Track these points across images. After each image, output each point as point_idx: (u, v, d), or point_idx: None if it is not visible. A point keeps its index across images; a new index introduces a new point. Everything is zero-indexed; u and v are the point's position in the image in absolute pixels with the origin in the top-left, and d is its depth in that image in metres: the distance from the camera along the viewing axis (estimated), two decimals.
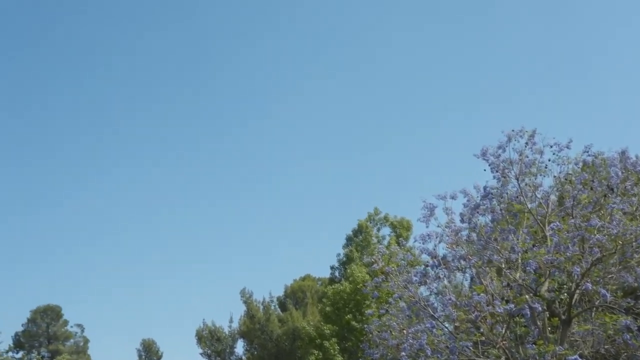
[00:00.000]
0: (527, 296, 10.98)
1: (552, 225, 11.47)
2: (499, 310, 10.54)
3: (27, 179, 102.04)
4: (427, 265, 12.14)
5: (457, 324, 11.20)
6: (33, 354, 68.00)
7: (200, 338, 50.70)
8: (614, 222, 10.95)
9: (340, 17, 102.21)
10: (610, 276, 11.29)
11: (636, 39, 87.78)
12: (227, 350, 50.81)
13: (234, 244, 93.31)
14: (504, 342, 10.83)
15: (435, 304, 12.10)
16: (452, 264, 12.01)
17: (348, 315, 36.09)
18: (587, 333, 11.45)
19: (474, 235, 12.34)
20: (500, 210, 12.33)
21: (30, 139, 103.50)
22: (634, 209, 11.38)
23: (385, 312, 13.42)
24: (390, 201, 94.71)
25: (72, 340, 70.92)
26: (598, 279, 11.06)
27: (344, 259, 42.34)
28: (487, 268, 11.87)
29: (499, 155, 12.38)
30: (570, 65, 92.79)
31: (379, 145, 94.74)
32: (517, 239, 11.66)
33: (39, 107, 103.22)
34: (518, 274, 11.24)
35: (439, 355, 11.23)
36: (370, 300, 30.53)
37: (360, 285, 31.78)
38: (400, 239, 37.18)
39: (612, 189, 11.71)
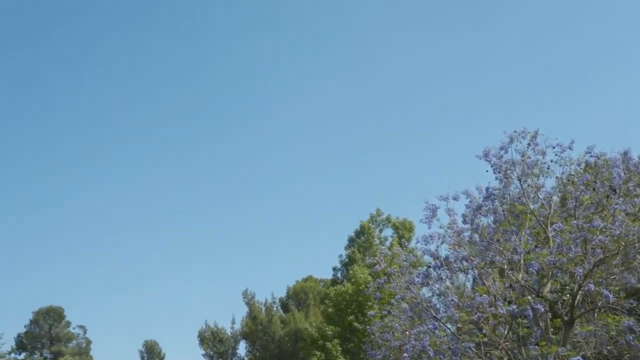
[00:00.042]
0: (529, 297, 10.98)
1: (554, 226, 11.48)
2: (502, 312, 10.54)
3: (27, 178, 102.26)
4: (429, 267, 12.15)
5: (459, 325, 11.21)
6: (35, 356, 68.08)
7: (202, 339, 50.71)
8: (617, 223, 10.93)
9: (340, 17, 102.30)
10: (612, 277, 11.27)
11: (639, 39, 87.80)
12: (230, 352, 50.81)
13: (236, 245, 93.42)
14: (506, 343, 10.83)
15: (438, 305, 12.10)
16: (455, 265, 12.02)
17: (350, 317, 36.06)
18: (590, 334, 11.44)
19: (476, 236, 12.34)
20: (503, 211, 12.33)
21: (30, 139, 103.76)
22: (637, 209, 11.36)
23: (388, 314, 13.44)
24: (392, 202, 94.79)
25: (74, 342, 71.02)
26: (601, 280, 11.04)
27: (346, 260, 42.32)
28: (490, 269, 11.87)
29: (501, 156, 12.37)
30: (572, 65, 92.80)
31: (380, 146, 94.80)
32: (520, 240, 11.66)
33: (39, 107, 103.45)
34: (520, 275, 11.24)
35: (441, 357, 11.24)
36: (373, 302, 30.57)
37: (363, 286, 31.74)
38: (402, 240, 37.09)
39: (614, 190, 11.70)
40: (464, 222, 12.50)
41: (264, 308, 48.51)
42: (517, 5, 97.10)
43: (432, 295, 12.33)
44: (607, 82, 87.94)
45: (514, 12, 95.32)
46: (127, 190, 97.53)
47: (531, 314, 10.80)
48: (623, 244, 10.73)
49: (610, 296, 10.55)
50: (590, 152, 12.46)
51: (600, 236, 10.64)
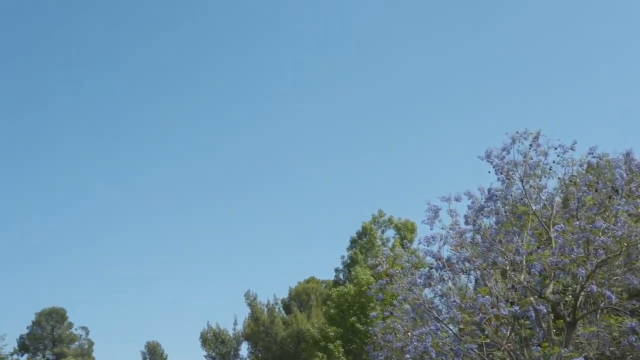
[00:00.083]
0: (531, 298, 10.96)
1: (556, 227, 11.47)
2: (504, 313, 10.53)
3: (28, 180, 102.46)
4: (431, 268, 12.14)
5: (461, 326, 11.20)
6: (38, 357, 68.20)
7: (204, 340, 50.78)
8: (619, 224, 10.92)
9: (345, 19, 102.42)
10: (615, 278, 11.26)
11: None
12: (232, 353, 50.86)
13: (238, 246, 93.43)
14: (508, 345, 10.82)
15: (440, 306, 12.09)
16: (457, 266, 12.01)
17: (352, 318, 36.05)
18: (592, 335, 11.42)
19: (478, 237, 12.33)
20: (505, 212, 12.32)
21: (30, 140, 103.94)
22: (639, 210, 11.35)
23: (390, 315, 13.43)
24: (394, 203, 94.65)
25: (76, 343, 71.13)
26: (603, 280, 11.03)
27: (348, 261, 42.33)
28: (492, 270, 11.86)
29: (503, 157, 12.36)
30: (573, 65, 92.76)
31: (382, 147, 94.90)
32: (522, 241, 11.65)
33: (39, 107, 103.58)
34: (523, 276, 11.22)
35: (443, 358, 11.23)
36: (375, 303, 30.56)
37: (365, 287, 31.71)
38: (404, 241, 37.06)
39: (616, 191, 11.68)
40: (466, 223, 12.50)
41: (266, 309, 48.54)
42: (517, 5, 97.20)
43: (435, 297, 12.33)
44: (609, 82, 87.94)
45: (514, 12, 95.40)
46: (128, 191, 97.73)
47: (533, 315, 10.79)
48: (625, 244, 10.72)
49: (613, 297, 10.54)
50: (592, 153, 12.46)
51: (602, 237, 10.63)
